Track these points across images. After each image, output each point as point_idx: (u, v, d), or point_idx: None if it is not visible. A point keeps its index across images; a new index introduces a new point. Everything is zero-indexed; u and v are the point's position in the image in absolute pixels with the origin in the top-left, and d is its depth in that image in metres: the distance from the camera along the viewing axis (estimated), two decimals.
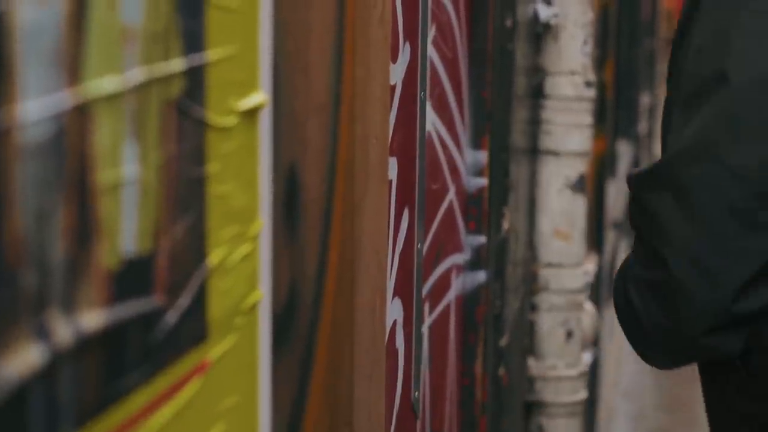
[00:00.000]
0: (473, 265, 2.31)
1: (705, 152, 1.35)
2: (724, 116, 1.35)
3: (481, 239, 2.31)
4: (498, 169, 2.33)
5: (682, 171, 1.37)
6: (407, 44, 1.50)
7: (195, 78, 0.82)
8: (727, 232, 1.36)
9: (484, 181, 2.28)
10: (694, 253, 1.38)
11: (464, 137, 2.19)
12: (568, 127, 2.74)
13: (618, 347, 5.94)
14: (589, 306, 3.13)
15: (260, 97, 0.91)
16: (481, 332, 2.35)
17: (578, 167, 2.80)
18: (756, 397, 1.47)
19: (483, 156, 2.27)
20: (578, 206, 2.84)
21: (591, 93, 2.76)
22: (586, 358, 3.20)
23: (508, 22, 2.29)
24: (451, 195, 2.13)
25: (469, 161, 2.25)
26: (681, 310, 1.41)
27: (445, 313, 2.15)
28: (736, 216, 1.35)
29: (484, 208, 2.30)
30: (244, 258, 0.94)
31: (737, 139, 1.35)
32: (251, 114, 0.90)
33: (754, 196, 1.34)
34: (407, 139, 1.57)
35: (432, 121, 1.86)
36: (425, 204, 1.80)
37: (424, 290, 1.89)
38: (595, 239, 4.51)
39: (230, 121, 0.87)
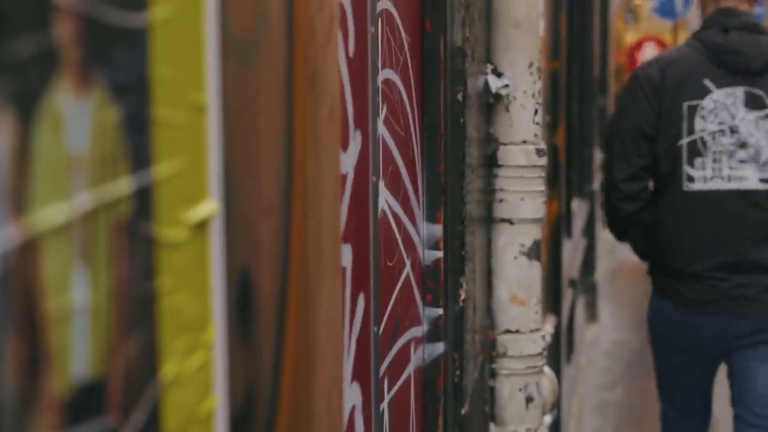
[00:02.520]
0: (431, 336, 2.32)
1: (610, 134, 3.62)
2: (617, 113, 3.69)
3: (439, 311, 2.32)
4: (454, 241, 2.34)
5: (607, 137, 3.65)
6: (358, 132, 1.51)
7: (144, 196, 0.82)
8: (614, 161, 3.48)
9: (440, 254, 2.29)
10: (606, 169, 3.59)
11: (419, 212, 2.21)
12: (522, 195, 2.76)
13: (578, 405, 5.95)
14: (548, 370, 3.14)
15: (210, 207, 0.92)
16: (442, 403, 2.35)
17: (533, 234, 2.82)
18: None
19: (438, 229, 2.28)
20: (534, 272, 2.86)
21: (543, 161, 2.79)
22: (547, 420, 3.21)
23: (459, 96, 2.31)
24: (408, 269, 2.13)
25: (425, 234, 2.26)
26: (607, 183, 3.60)
27: (406, 386, 2.14)
28: (619, 156, 3.46)
29: (441, 280, 2.31)
30: (198, 367, 0.94)
31: (619, 120, 3.59)
32: (202, 225, 0.90)
33: (625, 147, 3.46)
34: (361, 225, 1.57)
35: (386, 198, 1.87)
36: (381, 282, 1.80)
37: (384, 366, 1.89)
38: (552, 300, 4.53)
39: (180, 234, 0.87)
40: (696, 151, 3.39)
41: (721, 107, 3.40)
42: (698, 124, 3.40)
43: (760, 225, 3.40)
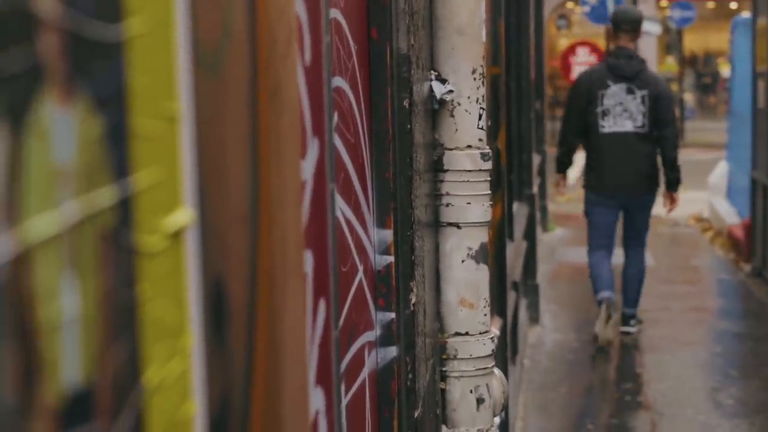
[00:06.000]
0: (384, 340, 2.34)
1: (568, 107, 8.05)
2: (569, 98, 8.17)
3: (391, 315, 2.34)
4: (404, 246, 2.37)
5: (566, 109, 8.09)
6: (315, 140, 1.53)
7: (124, 206, 0.83)
8: (572, 121, 7.83)
9: (391, 259, 2.32)
10: (566, 123, 7.99)
11: (370, 217, 2.23)
12: (468, 200, 2.79)
13: (523, 405, 6.00)
14: (497, 371, 3.17)
15: (186, 216, 0.93)
16: (396, 406, 2.37)
17: (480, 237, 2.85)
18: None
19: (389, 234, 2.30)
20: (481, 275, 2.89)
21: (488, 165, 2.82)
22: (497, 420, 3.24)
23: (406, 102, 2.33)
24: (360, 275, 2.15)
25: (376, 240, 2.28)
26: (566, 130, 7.95)
27: (361, 390, 2.16)
28: (574, 118, 7.80)
29: (393, 285, 2.33)
30: (178, 373, 0.95)
31: (570, 105, 7.98)
32: (178, 234, 0.92)
33: (577, 113, 7.81)
34: (320, 231, 1.59)
35: (339, 205, 1.89)
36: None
37: (341, 370, 1.91)
38: (497, 302, 4.57)
39: (159, 243, 0.89)
40: (605, 113, 7.41)
41: (615, 93, 7.43)
42: (605, 101, 7.45)
43: (636, 150, 7.41)
